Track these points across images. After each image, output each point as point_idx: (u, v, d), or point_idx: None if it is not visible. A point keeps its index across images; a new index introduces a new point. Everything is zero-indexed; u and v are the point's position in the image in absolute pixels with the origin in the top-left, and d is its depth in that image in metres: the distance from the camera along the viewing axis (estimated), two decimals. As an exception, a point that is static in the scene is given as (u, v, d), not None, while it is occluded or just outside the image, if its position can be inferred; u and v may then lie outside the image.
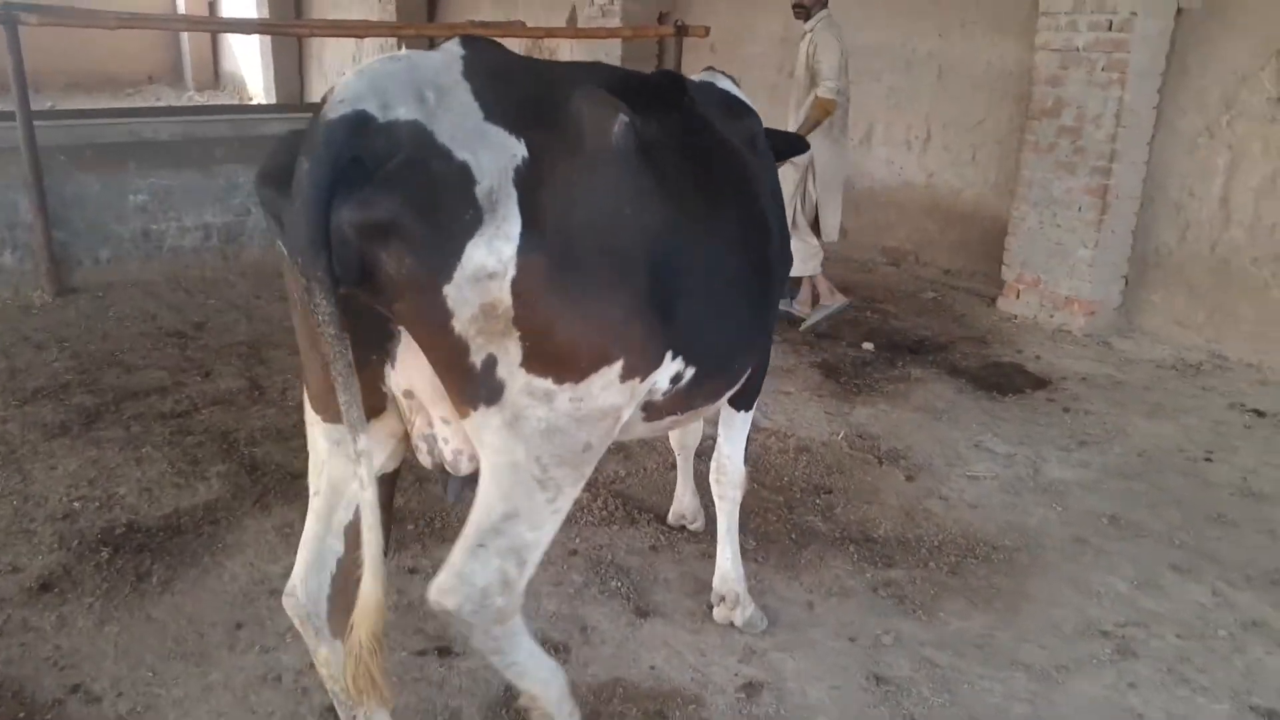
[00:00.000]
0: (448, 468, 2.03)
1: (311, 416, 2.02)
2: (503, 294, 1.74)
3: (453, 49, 1.91)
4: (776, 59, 8.16)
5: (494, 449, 1.88)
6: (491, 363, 1.80)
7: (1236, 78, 5.34)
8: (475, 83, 1.82)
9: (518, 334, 1.78)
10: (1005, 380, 5.23)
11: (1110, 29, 5.42)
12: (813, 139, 5.74)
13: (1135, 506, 3.93)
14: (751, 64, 8.35)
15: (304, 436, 4.06)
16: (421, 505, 3.58)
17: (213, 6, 18.66)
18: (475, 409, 1.84)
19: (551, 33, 7.19)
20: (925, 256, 7.21)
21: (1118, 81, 5.44)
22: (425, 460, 2.03)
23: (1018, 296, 6.19)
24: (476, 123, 1.76)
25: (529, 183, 1.76)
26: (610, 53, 8.76)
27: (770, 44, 8.23)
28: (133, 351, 4.82)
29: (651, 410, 2.22)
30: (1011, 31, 6.52)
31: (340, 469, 2.02)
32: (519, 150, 1.77)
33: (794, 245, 5.52)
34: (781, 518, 3.70)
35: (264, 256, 6.18)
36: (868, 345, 5.61)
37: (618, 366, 1.94)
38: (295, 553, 3.26)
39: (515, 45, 9.38)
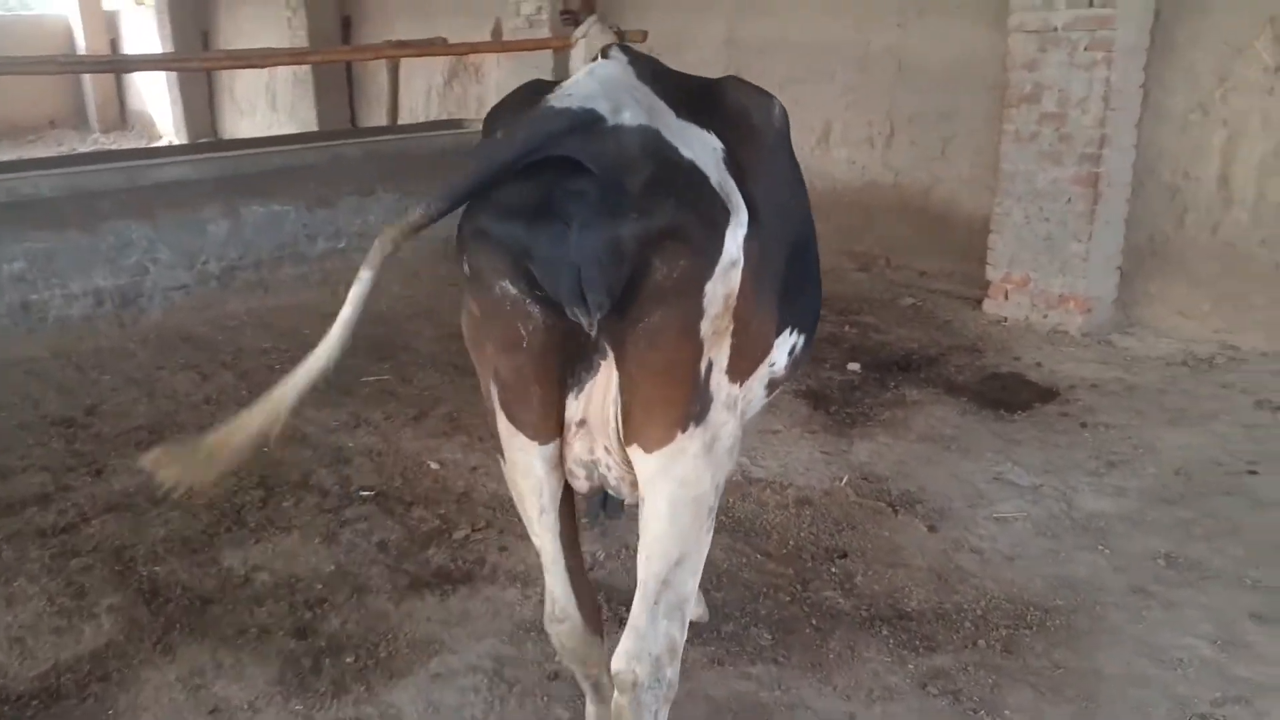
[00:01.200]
0: (610, 491, 2.03)
1: (524, 444, 1.91)
2: (737, 282, 1.79)
3: (618, 55, 1.99)
4: (722, 64, 7.63)
5: (683, 482, 1.84)
6: (709, 370, 1.81)
7: (1229, 49, 4.91)
8: (652, 85, 1.90)
9: (731, 329, 1.81)
10: (1010, 394, 4.73)
11: (1091, 5, 4.96)
12: None
13: (1189, 540, 3.43)
14: (694, 70, 7.81)
15: (215, 548, 3.43)
16: (361, 627, 2.94)
17: (115, 44, 17.68)
18: (684, 430, 1.81)
19: (478, 48, 6.58)
20: (898, 260, 6.72)
21: (1103, 61, 4.99)
22: (581, 485, 2.02)
23: (1006, 297, 5.71)
24: (675, 121, 1.82)
25: (735, 171, 1.85)
26: (541, 65, 8.15)
27: (714, 48, 7.70)
28: (9, 451, 4.09)
29: (772, 386, 2.27)
30: (979, 16, 6.04)
31: (556, 484, 1.98)
32: (715, 142, 1.86)
33: None
34: (795, 596, 3.13)
35: (165, 319, 5.46)
36: (853, 366, 5.07)
37: (770, 356, 2.06)
38: (203, 711, 2.64)
39: (438, 63, 8.75)
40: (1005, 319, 5.70)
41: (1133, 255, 5.49)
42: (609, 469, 1.94)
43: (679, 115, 1.83)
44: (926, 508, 3.69)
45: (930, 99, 6.38)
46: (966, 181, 6.31)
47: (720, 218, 1.74)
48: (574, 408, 1.84)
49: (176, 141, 13.97)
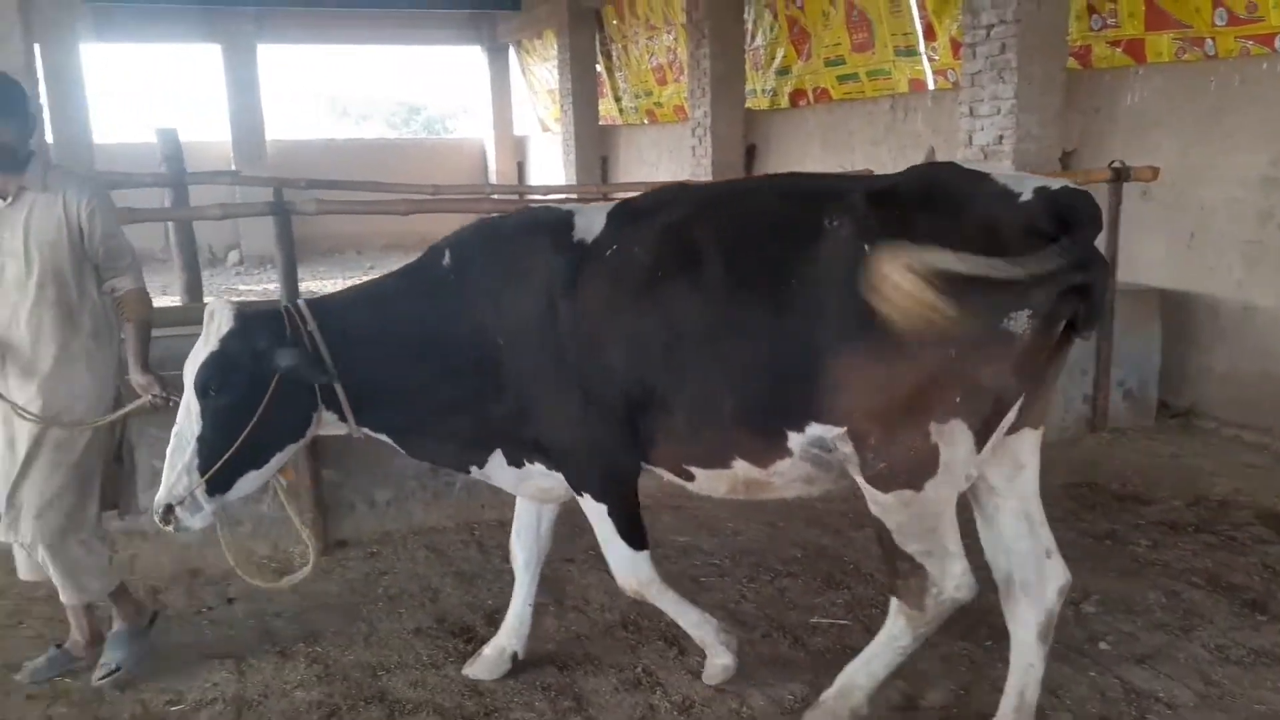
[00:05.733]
0: None
1: (976, 460, 2.51)
2: None
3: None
4: (1255, 206, 5.88)
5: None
6: None
7: None
8: None
9: None
10: None
11: None
12: (70, 358, 3.10)
13: None
14: (1212, 214, 6.13)
15: None
16: None
17: (521, 166, 18.86)
18: None
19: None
20: None
21: None
22: None
23: None
24: None
25: None
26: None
27: (1245, 187, 5.96)
28: (405, 670, 3.28)
29: None
30: None
31: None
32: None
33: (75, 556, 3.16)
34: None
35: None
36: None
37: None
38: None
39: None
40: None
41: None
42: None
43: None
44: None
45: None
46: None
47: None
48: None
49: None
